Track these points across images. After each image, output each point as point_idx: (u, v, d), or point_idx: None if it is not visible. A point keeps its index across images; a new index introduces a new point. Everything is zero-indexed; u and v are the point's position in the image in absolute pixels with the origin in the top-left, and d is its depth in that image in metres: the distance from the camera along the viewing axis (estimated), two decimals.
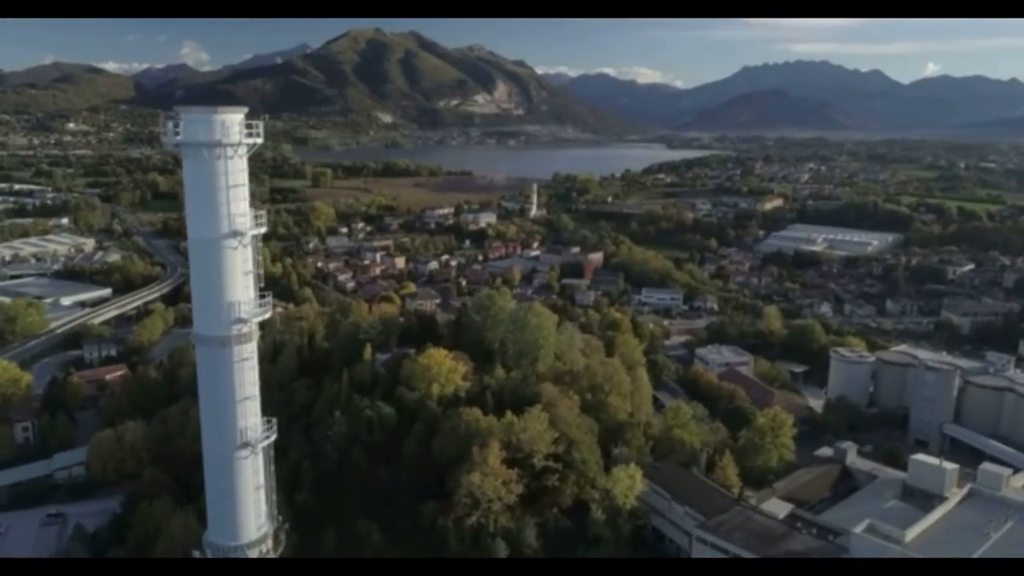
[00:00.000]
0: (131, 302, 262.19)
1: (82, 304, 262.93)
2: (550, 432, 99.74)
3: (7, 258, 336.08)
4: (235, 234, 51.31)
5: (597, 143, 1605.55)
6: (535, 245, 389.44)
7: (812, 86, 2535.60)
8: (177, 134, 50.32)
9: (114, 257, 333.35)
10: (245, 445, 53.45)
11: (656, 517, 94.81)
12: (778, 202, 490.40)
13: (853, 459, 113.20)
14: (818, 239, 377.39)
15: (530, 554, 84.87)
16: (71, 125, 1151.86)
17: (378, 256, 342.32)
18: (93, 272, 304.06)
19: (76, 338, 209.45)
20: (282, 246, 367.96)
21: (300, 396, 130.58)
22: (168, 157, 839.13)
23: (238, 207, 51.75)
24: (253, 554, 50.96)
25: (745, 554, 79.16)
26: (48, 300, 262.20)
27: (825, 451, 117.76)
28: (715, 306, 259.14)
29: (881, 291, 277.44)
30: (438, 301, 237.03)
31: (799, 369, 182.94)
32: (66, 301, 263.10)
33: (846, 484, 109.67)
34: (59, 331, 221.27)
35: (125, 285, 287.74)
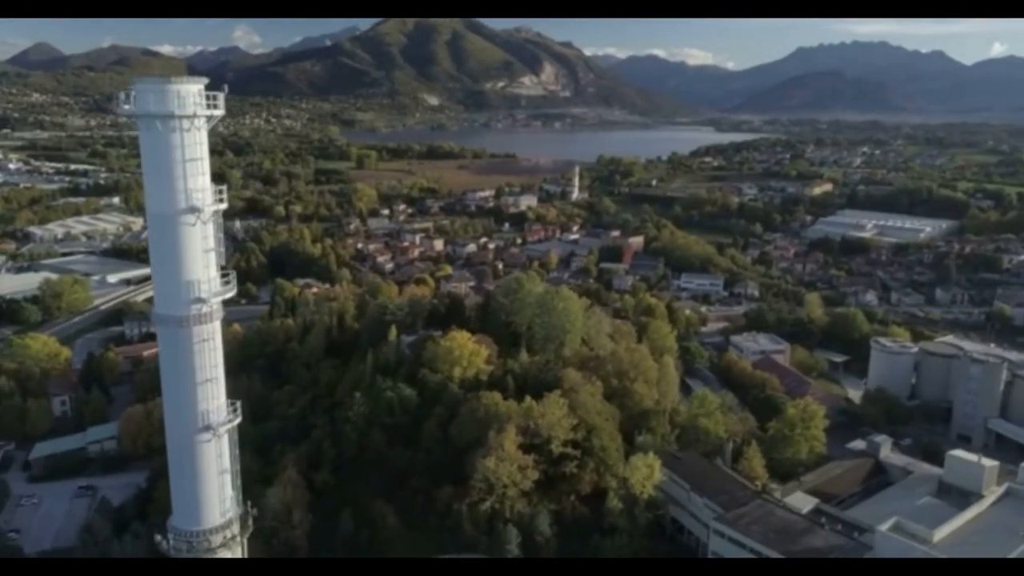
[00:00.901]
0: None
1: (127, 282, 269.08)
2: (569, 418, 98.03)
3: (59, 236, 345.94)
4: (192, 210, 49.61)
5: (645, 125, 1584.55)
6: (575, 228, 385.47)
7: (869, 68, 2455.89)
8: (129, 104, 48.71)
9: None
10: (207, 428, 52.18)
11: (675, 508, 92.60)
12: (827, 187, 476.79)
13: (887, 453, 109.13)
14: (867, 225, 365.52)
15: (542, 541, 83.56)
16: (127, 107, 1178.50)
17: (417, 238, 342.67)
18: (139, 250, 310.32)
19: (118, 315, 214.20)
20: (324, 227, 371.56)
21: (326, 375, 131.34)
22: (218, 138, 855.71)
23: (196, 182, 49.65)
24: (216, 539, 50.18)
25: (762, 549, 76.62)
26: (95, 277, 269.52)
27: (858, 444, 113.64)
28: (756, 292, 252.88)
29: (931, 279, 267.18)
30: (472, 284, 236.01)
31: (839, 359, 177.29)
32: (112, 278, 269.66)
33: (879, 479, 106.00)
34: (103, 307, 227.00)
35: None
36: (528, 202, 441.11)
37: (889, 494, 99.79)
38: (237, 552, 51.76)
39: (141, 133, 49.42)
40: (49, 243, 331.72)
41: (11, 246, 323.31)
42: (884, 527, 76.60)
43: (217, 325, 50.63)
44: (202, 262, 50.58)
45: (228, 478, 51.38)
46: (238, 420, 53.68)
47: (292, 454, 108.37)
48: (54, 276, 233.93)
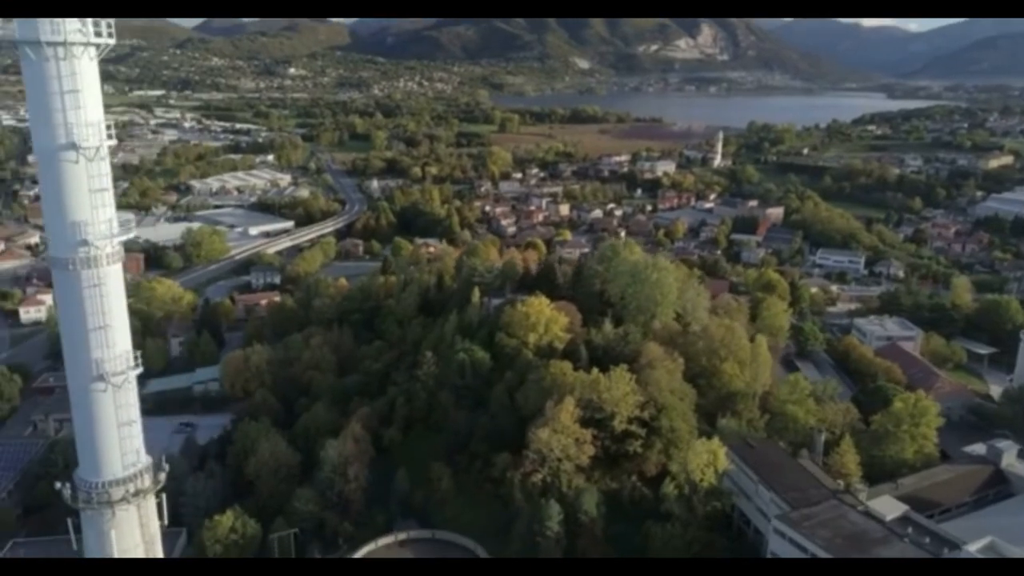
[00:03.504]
0: (306, 235, 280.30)
1: (266, 234, 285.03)
2: (636, 395, 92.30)
3: (214, 189, 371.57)
4: (72, 146, 46.32)
5: (807, 91, 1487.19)
6: (711, 197, 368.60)
7: None
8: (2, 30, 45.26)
9: (302, 193, 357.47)
10: (100, 378, 50.33)
11: (744, 500, 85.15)
12: (1006, 160, 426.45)
13: (1011, 461, 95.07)
14: None
15: (586, 521, 79.15)
16: (292, 70, 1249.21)
17: (543, 202, 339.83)
18: (281, 205, 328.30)
19: (249, 264, 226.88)
20: (456, 189, 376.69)
21: (413, 333, 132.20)
22: (371, 101, 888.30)
23: (77, 116, 46.11)
24: (118, 493, 49.54)
25: (824, 555, 68.56)
26: (238, 229, 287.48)
27: (978, 448, 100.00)
28: (900, 273, 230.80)
29: None
30: (587, 250, 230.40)
31: (985, 351, 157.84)
32: (253, 231, 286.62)
33: (996, 489, 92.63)
34: (237, 257, 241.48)
35: (306, 218, 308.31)
36: (665, 168, 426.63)
37: (1005, 507, 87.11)
38: (145, 506, 51.45)
39: (21, 62, 46.21)
40: (205, 196, 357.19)
41: (173, 197, 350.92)
42: (975, 546, 66.41)
43: (112, 270, 48.36)
44: (89, 203, 47.50)
45: (134, 429, 50.77)
46: (139, 371, 51.61)
47: (366, 409, 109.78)
48: (195, 226, 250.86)
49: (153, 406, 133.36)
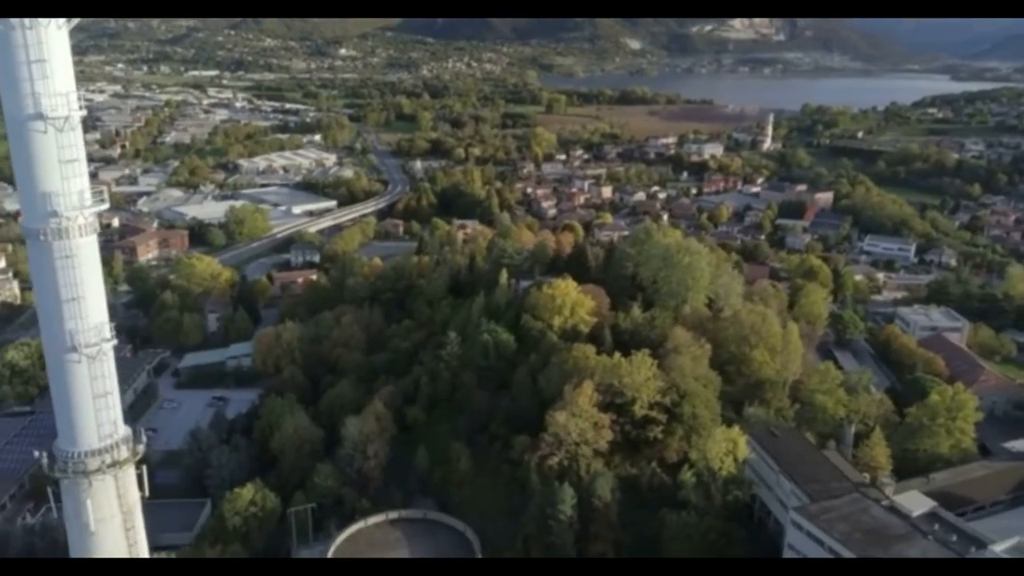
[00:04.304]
0: (347, 215, 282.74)
1: (309, 213, 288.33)
2: (658, 380, 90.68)
3: (261, 168, 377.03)
4: (40, 116, 45.95)
5: (866, 73, 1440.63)
6: (759, 181, 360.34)
7: None
8: None
9: (346, 173, 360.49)
10: (73, 349, 50.07)
11: (765, 490, 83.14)
12: None
13: None
14: None
15: (600, 506, 78.12)
16: (343, 51, 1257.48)
17: (586, 184, 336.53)
18: (325, 185, 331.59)
19: (290, 243, 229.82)
20: (499, 170, 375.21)
21: (442, 314, 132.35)
22: (419, 81, 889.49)
23: (45, 86, 45.72)
24: (94, 463, 49.80)
25: (841, 550, 66.45)
26: (282, 207, 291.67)
27: (1018, 444, 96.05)
28: (952, 261, 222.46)
29: None
30: (626, 233, 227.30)
31: None
32: (297, 209, 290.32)
33: None
34: (279, 235, 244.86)
35: (349, 198, 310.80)
36: (712, 151, 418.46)
37: None
38: (123, 477, 51.68)
39: None
40: (251, 175, 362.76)
41: (221, 176, 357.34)
42: (1002, 546, 63.63)
43: (84, 242, 48.02)
44: (59, 173, 47.27)
45: (109, 401, 50.97)
46: (113, 343, 51.59)
47: (390, 387, 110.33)
48: (237, 204, 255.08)
49: (188, 379, 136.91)
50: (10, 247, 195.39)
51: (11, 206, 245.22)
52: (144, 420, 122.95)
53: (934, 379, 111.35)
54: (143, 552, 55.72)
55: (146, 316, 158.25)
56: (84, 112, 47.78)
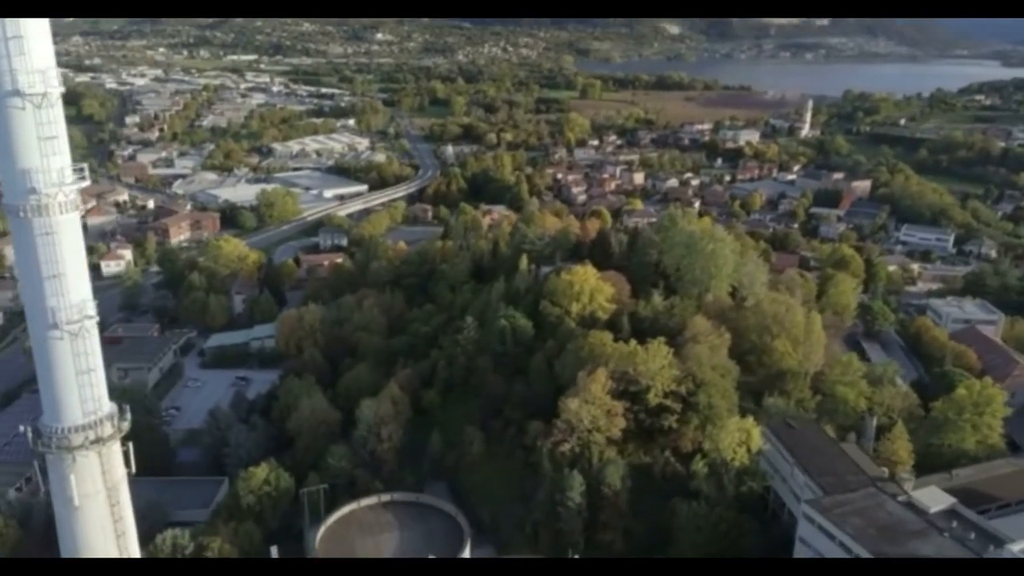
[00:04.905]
0: (378, 199, 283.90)
1: (340, 197, 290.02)
2: (673, 369, 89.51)
3: (294, 152, 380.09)
4: (17, 93, 45.87)
5: (912, 58, 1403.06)
6: (795, 168, 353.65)
7: None
8: None
9: (378, 157, 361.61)
10: (55, 326, 50.43)
11: (780, 482, 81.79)
12: None
13: None
14: None
15: (609, 494, 77.51)
16: (379, 36, 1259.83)
17: (617, 171, 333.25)
18: (356, 169, 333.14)
19: (319, 226, 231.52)
20: (530, 156, 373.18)
21: (463, 298, 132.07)
22: (454, 66, 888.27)
23: (22, 62, 45.51)
24: (78, 439, 50.24)
25: (853, 546, 65.03)
26: (313, 191, 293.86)
27: None
28: (992, 253, 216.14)
29: None
30: (655, 220, 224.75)
31: None
32: (328, 193, 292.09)
33: None
34: (309, 219, 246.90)
35: (380, 182, 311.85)
36: (748, 137, 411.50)
37: None
38: (108, 454, 52.07)
39: None
40: (285, 158, 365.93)
41: (255, 159, 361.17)
42: (1019, 546, 61.69)
43: (64, 219, 48.05)
44: (39, 150, 47.34)
45: (93, 378, 51.31)
46: (94, 320, 51.93)
47: (407, 371, 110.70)
48: (269, 187, 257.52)
49: (212, 359, 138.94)
50: None
51: None
52: (169, 399, 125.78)
53: (962, 372, 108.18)
54: (130, 528, 56.49)
55: (175, 297, 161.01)
56: (63, 89, 48.09)
